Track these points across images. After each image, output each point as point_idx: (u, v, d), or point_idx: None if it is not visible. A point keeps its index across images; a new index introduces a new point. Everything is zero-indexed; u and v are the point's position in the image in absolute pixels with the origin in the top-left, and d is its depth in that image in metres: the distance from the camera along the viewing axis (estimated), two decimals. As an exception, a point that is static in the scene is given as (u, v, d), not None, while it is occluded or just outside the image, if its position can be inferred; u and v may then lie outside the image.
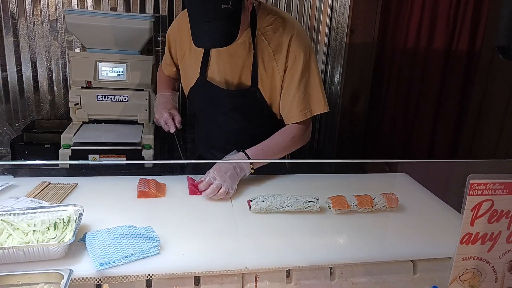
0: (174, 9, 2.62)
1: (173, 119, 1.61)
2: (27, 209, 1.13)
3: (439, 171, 1.59)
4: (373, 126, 2.96)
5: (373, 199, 1.34)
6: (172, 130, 1.58)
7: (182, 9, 2.60)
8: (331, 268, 1.11)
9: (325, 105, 1.54)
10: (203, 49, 1.54)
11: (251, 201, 1.31)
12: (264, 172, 1.54)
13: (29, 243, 1.01)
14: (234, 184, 1.40)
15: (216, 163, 1.46)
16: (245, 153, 1.48)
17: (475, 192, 0.75)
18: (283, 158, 1.62)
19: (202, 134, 1.75)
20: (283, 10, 2.70)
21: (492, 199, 0.77)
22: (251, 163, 1.46)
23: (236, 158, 1.46)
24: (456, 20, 2.75)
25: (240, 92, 1.55)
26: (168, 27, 2.60)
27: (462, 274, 0.81)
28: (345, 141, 2.91)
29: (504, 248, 0.82)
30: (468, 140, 2.92)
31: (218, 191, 1.36)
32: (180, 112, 1.69)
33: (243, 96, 1.55)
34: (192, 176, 1.50)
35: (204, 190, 1.38)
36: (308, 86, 1.52)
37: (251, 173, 1.47)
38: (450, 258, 0.83)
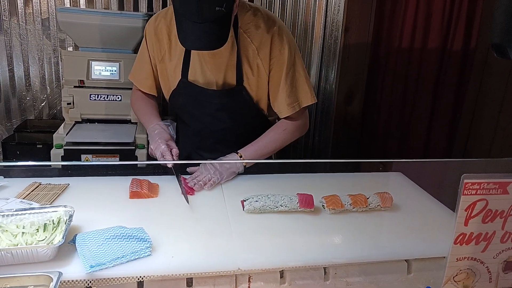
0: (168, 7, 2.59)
1: (171, 151, 1.48)
2: (16, 211, 1.11)
3: (433, 170, 1.59)
4: (368, 124, 2.96)
5: (368, 198, 1.34)
6: (170, 165, 1.46)
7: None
8: (325, 268, 1.10)
9: (312, 96, 1.56)
10: (183, 50, 1.50)
11: (245, 201, 1.30)
12: (258, 172, 1.53)
13: (17, 245, 1.00)
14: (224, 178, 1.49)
15: (210, 163, 1.44)
16: (237, 153, 1.51)
17: (469, 192, 0.74)
18: (270, 158, 1.62)
19: (189, 135, 1.70)
20: (278, 8, 2.68)
21: (486, 198, 0.76)
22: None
23: (230, 158, 1.47)
24: (451, 19, 2.76)
25: (225, 91, 1.54)
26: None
27: (456, 275, 0.81)
28: (340, 140, 2.90)
29: (498, 248, 0.81)
30: (463, 138, 2.93)
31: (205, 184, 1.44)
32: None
33: (228, 96, 1.54)
34: (185, 176, 1.48)
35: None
36: (294, 79, 1.52)
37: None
38: (445, 257, 0.83)
